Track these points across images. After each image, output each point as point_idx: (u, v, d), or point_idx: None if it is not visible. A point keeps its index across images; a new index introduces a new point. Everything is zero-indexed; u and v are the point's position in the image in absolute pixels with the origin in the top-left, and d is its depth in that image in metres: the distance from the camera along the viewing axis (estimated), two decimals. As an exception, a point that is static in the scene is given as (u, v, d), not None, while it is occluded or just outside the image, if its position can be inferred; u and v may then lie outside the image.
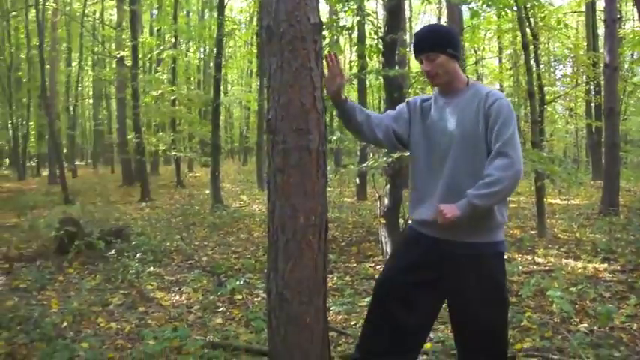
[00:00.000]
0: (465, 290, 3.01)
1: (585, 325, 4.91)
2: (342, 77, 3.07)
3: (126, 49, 20.09)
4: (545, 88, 17.63)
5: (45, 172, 32.63)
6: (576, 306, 5.43)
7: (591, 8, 22.06)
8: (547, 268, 7.09)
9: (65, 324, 5.35)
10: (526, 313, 5.27)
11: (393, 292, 3.13)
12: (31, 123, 32.24)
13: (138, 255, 8.07)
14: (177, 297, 6.44)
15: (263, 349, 4.17)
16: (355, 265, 7.74)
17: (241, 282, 6.54)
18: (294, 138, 2.83)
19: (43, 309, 5.77)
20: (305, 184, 2.85)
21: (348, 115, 3.13)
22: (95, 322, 5.51)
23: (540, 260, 7.65)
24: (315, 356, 2.96)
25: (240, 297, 6.22)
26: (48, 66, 22.80)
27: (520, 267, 7.05)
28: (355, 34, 14.29)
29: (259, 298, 6.11)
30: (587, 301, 5.60)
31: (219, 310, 5.85)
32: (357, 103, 3.24)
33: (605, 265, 7.26)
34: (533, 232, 9.84)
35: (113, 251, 8.20)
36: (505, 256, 3.33)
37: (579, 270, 6.97)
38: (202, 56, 32.51)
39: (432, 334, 4.52)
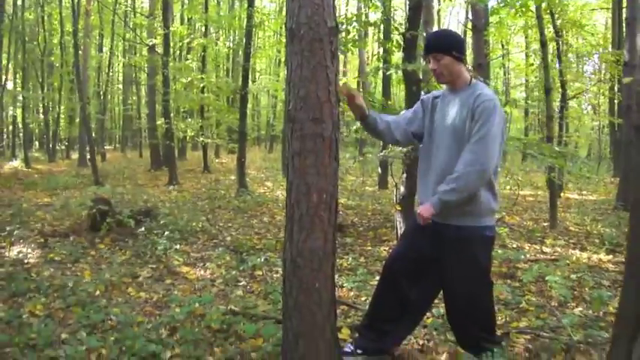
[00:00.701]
0: (449, 269, 3.50)
1: (580, 309, 5.23)
2: (361, 103, 3.61)
3: (158, 37, 20.49)
4: (570, 85, 17.80)
5: (74, 155, 33.22)
6: (575, 292, 5.73)
7: (618, 5, 21.95)
8: (553, 257, 7.37)
9: (98, 292, 5.80)
10: (526, 296, 5.62)
11: (402, 267, 3.63)
12: (61, 107, 32.80)
13: (165, 233, 8.47)
14: (201, 272, 6.87)
15: (279, 318, 4.59)
16: (370, 248, 8.13)
17: (262, 259, 6.99)
18: (311, 126, 3.24)
19: (77, 279, 6.24)
20: (319, 166, 3.26)
21: (372, 127, 3.70)
22: (125, 291, 5.96)
23: (547, 250, 7.95)
24: (323, 317, 3.37)
25: (260, 273, 6.66)
26: (80, 52, 23.34)
27: (527, 255, 7.39)
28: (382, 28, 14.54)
29: (278, 275, 6.50)
30: (586, 289, 5.88)
31: (241, 284, 6.28)
32: (376, 113, 3.76)
33: (610, 257, 7.51)
34: (545, 224, 10.09)
35: (143, 229, 8.65)
36: (496, 241, 3.73)
37: (584, 260, 7.25)
38: (231, 45, 32.78)
39: (433, 310, 4.90)
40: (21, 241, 8.36)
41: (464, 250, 3.43)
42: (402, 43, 7.92)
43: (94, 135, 27.56)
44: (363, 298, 5.57)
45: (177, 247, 8.02)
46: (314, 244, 3.28)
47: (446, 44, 3.47)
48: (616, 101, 22.28)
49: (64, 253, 7.62)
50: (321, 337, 3.36)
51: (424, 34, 7.85)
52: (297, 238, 3.30)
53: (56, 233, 9.03)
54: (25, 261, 7.23)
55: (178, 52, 29.40)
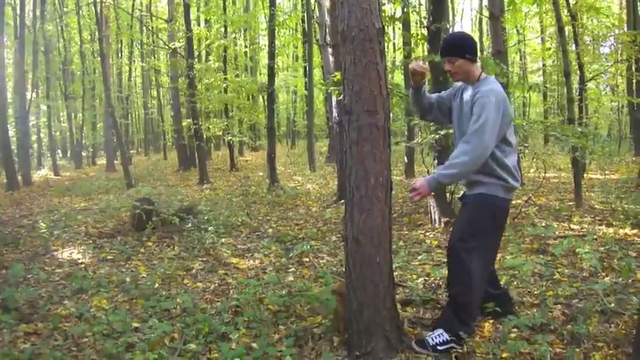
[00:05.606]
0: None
1: (610, 277, 5.54)
2: (425, 74, 4.16)
3: (181, 41, 20.84)
4: (588, 66, 17.94)
5: (99, 161, 33.81)
6: (604, 263, 6.04)
7: (632, -15, 21.96)
8: (581, 233, 7.66)
9: (157, 285, 6.16)
10: (558, 268, 5.95)
11: None
12: (85, 114, 33.23)
13: (209, 228, 8.85)
14: (251, 261, 7.26)
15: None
16: (407, 232, 8.48)
17: (307, 247, 7.32)
18: (366, 117, 3.65)
19: (134, 274, 6.64)
20: (374, 152, 3.67)
21: (421, 98, 4.27)
22: (182, 283, 6.33)
23: (575, 227, 8.24)
24: (384, 288, 3.77)
25: (307, 260, 7.06)
26: (98, 58, 23.73)
27: (556, 232, 7.69)
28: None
29: (324, 260, 6.95)
30: (615, 260, 6.16)
31: (290, 270, 6.67)
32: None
33: (635, 231, 7.74)
34: (571, 203, 10.31)
35: (190, 225, 9.04)
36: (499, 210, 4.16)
37: (610, 235, 7.51)
38: (249, 46, 33.04)
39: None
40: (70, 243, 8.77)
41: (471, 205, 4.01)
42: (426, 35, 8.28)
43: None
44: (407, 277, 5.96)
45: (223, 240, 8.42)
46: (373, 223, 3.68)
47: (459, 49, 3.99)
48: (634, 81, 22.32)
49: (114, 251, 8.03)
50: (384, 306, 3.76)
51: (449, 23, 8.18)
52: (357, 218, 3.70)
53: (102, 234, 9.44)
54: (80, 261, 7.63)
55: (198, 53, 29.74)
